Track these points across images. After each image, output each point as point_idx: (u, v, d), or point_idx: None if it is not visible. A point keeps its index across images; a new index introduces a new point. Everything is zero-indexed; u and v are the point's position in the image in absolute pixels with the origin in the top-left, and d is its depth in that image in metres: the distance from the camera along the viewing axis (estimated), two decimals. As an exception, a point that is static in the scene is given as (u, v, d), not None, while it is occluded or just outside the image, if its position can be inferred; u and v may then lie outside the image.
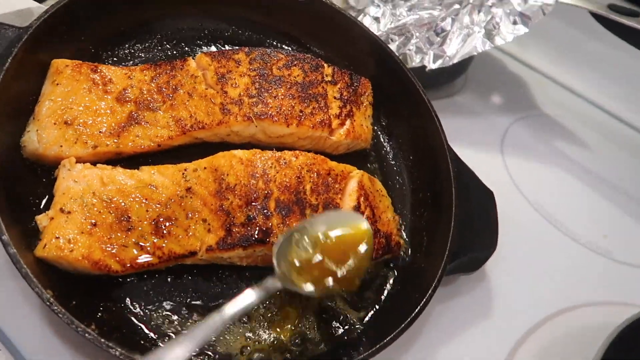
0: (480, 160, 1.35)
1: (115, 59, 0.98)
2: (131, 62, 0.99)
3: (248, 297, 0.72)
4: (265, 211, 0.82)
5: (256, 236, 0.81)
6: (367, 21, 1.35)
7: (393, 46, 1.32)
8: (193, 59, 0.96)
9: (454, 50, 1.28)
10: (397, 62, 1.11)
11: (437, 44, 1.30)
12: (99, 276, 0.77)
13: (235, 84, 0.94)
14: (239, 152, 0.87)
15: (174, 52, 1.03)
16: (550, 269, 1.19)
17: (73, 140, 0.82)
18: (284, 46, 1.14)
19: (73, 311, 0.67)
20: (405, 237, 1.01)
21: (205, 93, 0.92)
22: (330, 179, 0.91)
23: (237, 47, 0.99)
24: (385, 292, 0.94)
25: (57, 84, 0.84)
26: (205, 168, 0.86)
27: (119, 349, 0.65)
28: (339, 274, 0.74)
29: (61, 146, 0.81)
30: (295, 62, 1.00)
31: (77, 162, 0.81)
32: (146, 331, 0.77)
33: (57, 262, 0.73)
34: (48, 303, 0.64)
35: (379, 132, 1.14)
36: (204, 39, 1.08)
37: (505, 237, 1.10)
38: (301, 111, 0.96)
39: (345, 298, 0.91)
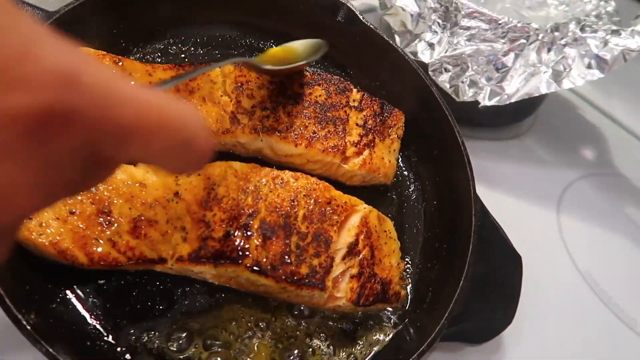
0: (530, 213, 1.22)
1: (144, 55, 0.98)
2: (160, 60, 0.99)
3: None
4: (246, 230, 0.77)
5: (229, 254, 0.75)
6: (421, 47, 1.26)
7: (445, 76, 1.22)
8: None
9: (514, 88, 1.16)
10: (438, 101, 1.02)
11: (495, 80, 1.19)
12: (65, 266, 0.74)
13: (251, 95, 0.90)
14: (236, 164, 0.83)
15: (205, 58, 1.02)
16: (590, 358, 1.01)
17: (76, 126, 0.82)
18: (319, 65, 1.09)
19: (17, 295, 0.65)
20: (408, 288, 0.90)
21: (220, 100, 0.90)
22: (329, 208, 0.83)
23: (263, 59, 0.96)
24: (375, 348, 0.84)
25: (75, 71, 0.85)
26: (199, 175, 0.82)
27: (45, 346, 0.61)
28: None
29: (63, 130, 0.81)
30: (320, 82, 0.95)
31: (75, 148, 0.80)
32: (100, 332, 0.74)
33: (25, 243, 0.72)
34: (-10, 282, 0.62)
35: (406, 171, 1.05)
36: (240, 49, 1.06)
37: (539, 311, 0.96)
38: (314, 132, 0.90)
39: (329, 348, 0.82)
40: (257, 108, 0.89)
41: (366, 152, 0.94)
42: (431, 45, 1.25)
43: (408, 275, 0.92)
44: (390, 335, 0.84)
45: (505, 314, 0.85)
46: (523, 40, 1.19)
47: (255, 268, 0.75)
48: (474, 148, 1.27)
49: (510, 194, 1.26)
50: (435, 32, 1.25)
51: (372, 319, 0.85)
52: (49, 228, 0.73)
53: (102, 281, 0.78)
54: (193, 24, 1.02)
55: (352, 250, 0.82)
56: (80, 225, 0.75)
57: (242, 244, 0.76)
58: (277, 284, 0.76)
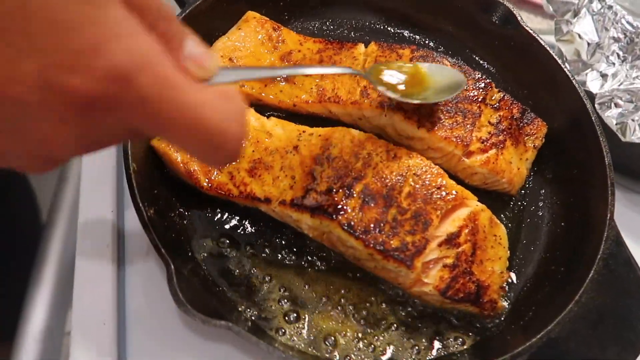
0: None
1: (301, 28, 1.07)
2: (313, 35, 1.06)
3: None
4: (348, 190, 0.78)
5: (326, 208, 0.77)
6: (591, 76, 1.14)
7: (614, 112, 1.09)
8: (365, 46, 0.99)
9: None
10: (591, 120, 0.93)
11: None
12: (189, 187, 0.84)
13: (387, 73, 0.92)
14: (355, 131, 0.85)
15: (355, 41, 1.07)
16: None
17: (229, 74, 0.93)
18: (465, 60, 1.07)
19: (146, 193, 0.75)
20: (508, 301, 0.82)
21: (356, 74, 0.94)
22: (437, 193, 0.81)
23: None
24: (450, 349, 0.78)
25: (239, 29, 0.97)
26: (319, 135, 0.87)
27: (153, 234, 0.70)
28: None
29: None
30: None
31: (223, 92, 0.91)
32: (195, 250, 0.81)
33: (163, 156, 0.84)
34: (127, 172, 0.74)
35: (537, 186, 0.96)
36: (390, 39, 1.10)
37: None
38: (440, 119, 0.88)
39: (398, 329, 0.79)
40: (389, 86, 0.91)
41: (492, 151, 0.89)
42: (604, 76, 1.14)
43: (511, 289, 0.84)
44: (471, 343, 0.77)
45: (620, 358, 0.72)
46: None
47: (346, 227, 0.76)
48: (636, 202, 1.11)
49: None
50: (612, 63, 1.14)
51: (457, 320, 0.80)
52: (184, 149, 0.83)
53: (214, 214, 0.86)
54: (351, 9, 1.09)
55: (451, 240, 0.78)
56: (209, 154, 0.84)
57: (341, 201, 0.77)
58: (365, 249, 0.76)
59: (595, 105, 1.05)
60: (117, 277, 0.81)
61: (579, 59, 1.18)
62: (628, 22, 1.10)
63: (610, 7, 1.14)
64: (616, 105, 1.09)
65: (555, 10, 1.22)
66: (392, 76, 0.85)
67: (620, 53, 1.11)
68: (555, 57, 0.99)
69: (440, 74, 0.87)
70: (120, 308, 0.80)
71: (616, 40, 1.11)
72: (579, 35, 1.14)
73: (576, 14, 1.17)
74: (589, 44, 1.12)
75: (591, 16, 1.16)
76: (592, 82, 1.10)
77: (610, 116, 1.06)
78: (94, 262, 0.82)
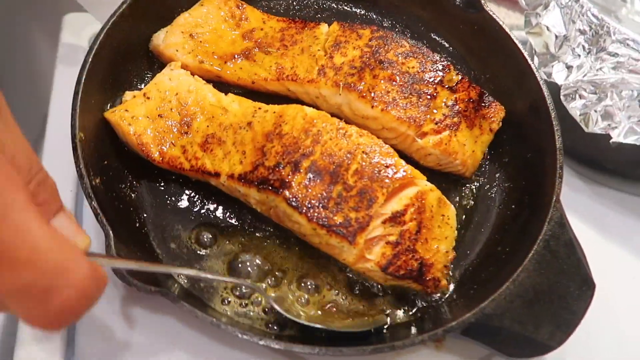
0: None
1: (267, 8, 1.07)
2: (279, 15, 1.06)
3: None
4: (295, 166, 0.79)
5: (273, 183, 0.78)
6: (557, 67, 1.15)
7: (578, 103, 1.09)
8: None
9: None
10: (548, 108, 0.94)
11: (637, 117, 1.04)
12: (141, 159, 0.85)
13: (345, 53, 0.93)
14: (308, 109, 0.86)
15: (324, 22, 1.08)
16: None
17: (188, 50, 0.94)
18: (426, 42, 1.07)
19: (93, 163, 0.76)
20: (452, 280, 0.83)
21: (315, 53, 0.94)
22: (384, 171, 0.81)
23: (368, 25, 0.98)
24: (388, 320, 0.79)
25: (202, 5, 0.98)
26: (274, 112, 0.87)
27: (96, 207, 0.70)
28: None
29: (177, 50, 0.93)
30: (418, 55, 0.93)
31: (182, 68, 0.92)
32: (144, 222, 0.83)
33: (115, 127, 0.84)
34: (73, 140, 0.75)
35: (492, 169, 0.97)
36: (357, 21, 1.10)
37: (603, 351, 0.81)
38: (394, 99, 0.89)
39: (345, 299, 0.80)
40: (345, 65, 0.91)
41: (445, 133, 0.89)
42: (569, 68, 1.14)
43: (457, 269, 0.85)
44: (412, 319, 0.79)
45: (553, 336, 0.73)
46: (683, 78, 1.01)
47: (291, 201, 0.77)
48: (599, 194, 1.11)
49: (630, 253, 1.08)
50: (578, 55, 1.14)
51: (399, 297, 0.81)
52: (138, 121, 0.84)
53: (167, 187, 0.87)
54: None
55: (396, 218, 0.79)
56: (163, 128, 0.85)
57: (287, 177, 0.78)
58: (308, 223, 0.77)
59: (561, 96, 1.06)
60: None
61: (547, 51, 1.18)
62: (593, 15, 1.10)
63: (577, 0, 1.14)
64: (580, 96, 1.10)
65: (528, 4, 1.22)
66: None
67: (586, 45, 1.12)
68: (516, 41, 0.99)
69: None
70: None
71: (582, 32, 1.12)
72: (547, 28, 1.14)
73: (546, 6, 1.17)
74: (556, 36, 1.13)
75: (559, 9, 1.16)
76: (558, 74, 1.11)
77: (575, 107, 1.06)
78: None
